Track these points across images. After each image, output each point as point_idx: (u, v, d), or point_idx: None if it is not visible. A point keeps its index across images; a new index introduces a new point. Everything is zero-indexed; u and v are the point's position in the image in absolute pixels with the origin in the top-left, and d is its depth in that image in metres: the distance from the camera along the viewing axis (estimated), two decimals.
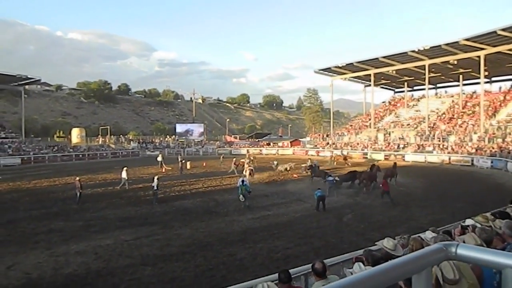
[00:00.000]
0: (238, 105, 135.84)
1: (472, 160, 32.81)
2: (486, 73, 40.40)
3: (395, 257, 3.73)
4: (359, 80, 56.10)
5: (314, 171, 25.25)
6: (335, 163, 35.65)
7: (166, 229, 13.29)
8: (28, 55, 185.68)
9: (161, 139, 67.29)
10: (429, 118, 45.33)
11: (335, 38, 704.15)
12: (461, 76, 47.46)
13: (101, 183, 24.70)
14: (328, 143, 51.52)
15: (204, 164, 35.76)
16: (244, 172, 25.84)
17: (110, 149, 54.28)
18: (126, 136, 69.76)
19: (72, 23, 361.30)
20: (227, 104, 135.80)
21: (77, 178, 18.78)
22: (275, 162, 31.11)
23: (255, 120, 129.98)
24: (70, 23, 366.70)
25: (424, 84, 46.56)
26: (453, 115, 46.20)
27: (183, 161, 31.74)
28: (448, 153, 36.35)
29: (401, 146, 42.55)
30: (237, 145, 60.32)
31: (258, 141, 64.88)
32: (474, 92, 48.98)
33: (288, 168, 28.70)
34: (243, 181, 18.17)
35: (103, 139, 62.21)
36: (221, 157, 39.41)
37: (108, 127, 70.86)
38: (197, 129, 68.03)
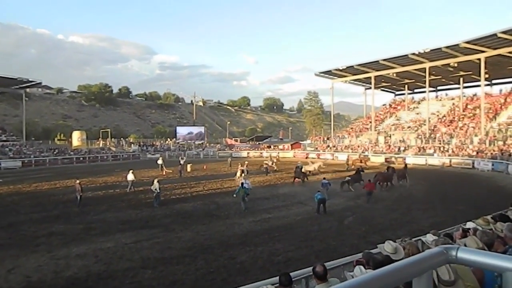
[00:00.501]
0: (239, 108, 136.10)
1: (473, 163, 32.75)
2: (487, 76, 40.45)
3: (395, 260, 3.72)
4: (360, 83, 56.16)
5: (296, 172, 26.02)
6: (353, 166, 32.77)
7: (166, 232, 13.26)
8: (30, 58, 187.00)
9: (162, 142, 67.37)
10: (429, 121, 45.37)
11: (336, 41, 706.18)
12: (461, 78, 47.45)
13: (101, 186, 24.69)
14: (328, 146, 51.54)
15: (205, 167, 35.77)
16: (237, 173, 25.85)
17: (111, 152, 54.28)
18: (126, 139, 69.72)
19: (73, 27, 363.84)
20: (228, 107, 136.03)
21: (78, 181, 18.72)
22: (299, 163, 29.82)
23: (255, 123, 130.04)
24: (71, 27, 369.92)
25: (424, 87, 46.67)
26: (454, 118, 46.18)
27: (184, 163, 31.64)
28: (449, 155, 36.31)
29: (402, 148, 42.48)
30: (237, 148, 60.36)
31: (259, 144, 64.76)
32: (475, 95, 48.94)
33: (317, 168, 29.52)
34: (242, 183, 18.22)
35: (103, 142, 62.20)
36: (229, 159, 37.85)
37: (109, 130, 70.84)
38: (197, 131, 68.09)
